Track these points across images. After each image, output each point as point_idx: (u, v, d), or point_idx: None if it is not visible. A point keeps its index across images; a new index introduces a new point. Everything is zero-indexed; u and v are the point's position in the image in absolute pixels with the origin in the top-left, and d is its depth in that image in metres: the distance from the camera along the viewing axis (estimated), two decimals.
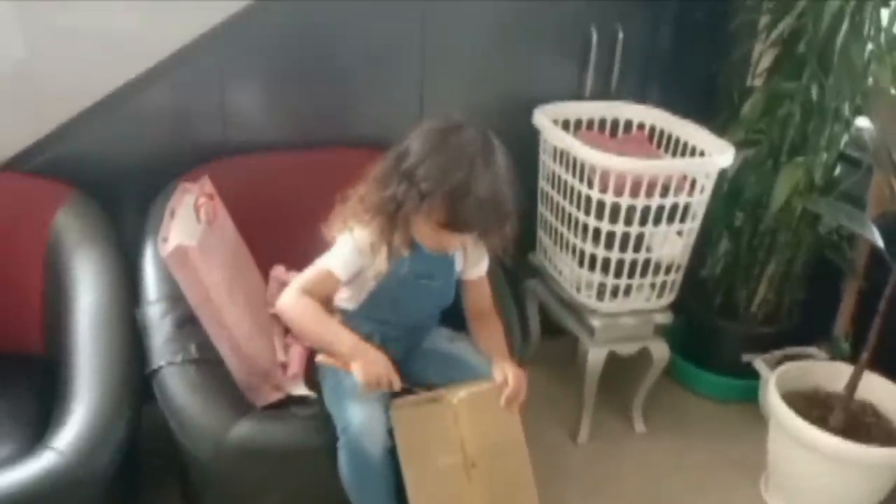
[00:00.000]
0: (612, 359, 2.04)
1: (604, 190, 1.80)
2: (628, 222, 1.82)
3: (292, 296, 1.48)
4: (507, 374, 1.48)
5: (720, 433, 2.16)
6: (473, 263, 1.60)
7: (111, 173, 1.81)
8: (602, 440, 2.12)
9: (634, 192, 1.78)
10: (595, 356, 2.00)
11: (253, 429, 1.43)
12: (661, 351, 2.05)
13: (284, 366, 1.61)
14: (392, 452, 1.43)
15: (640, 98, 2.17)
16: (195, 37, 1.77)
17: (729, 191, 2.11)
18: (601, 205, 1.81)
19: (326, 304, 1.53)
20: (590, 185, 1.82)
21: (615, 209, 1.81)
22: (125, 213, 1.79)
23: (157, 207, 1.70)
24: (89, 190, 1.76)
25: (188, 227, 1.49)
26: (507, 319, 1.68)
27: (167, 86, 1.81)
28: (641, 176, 1.78)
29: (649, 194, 1.79)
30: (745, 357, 2.15)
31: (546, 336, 2.32)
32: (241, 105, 1.91)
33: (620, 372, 2.15)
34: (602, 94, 2.18)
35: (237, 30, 1.80)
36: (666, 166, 1.84)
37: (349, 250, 1.47)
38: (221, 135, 1.89)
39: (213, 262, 1.48)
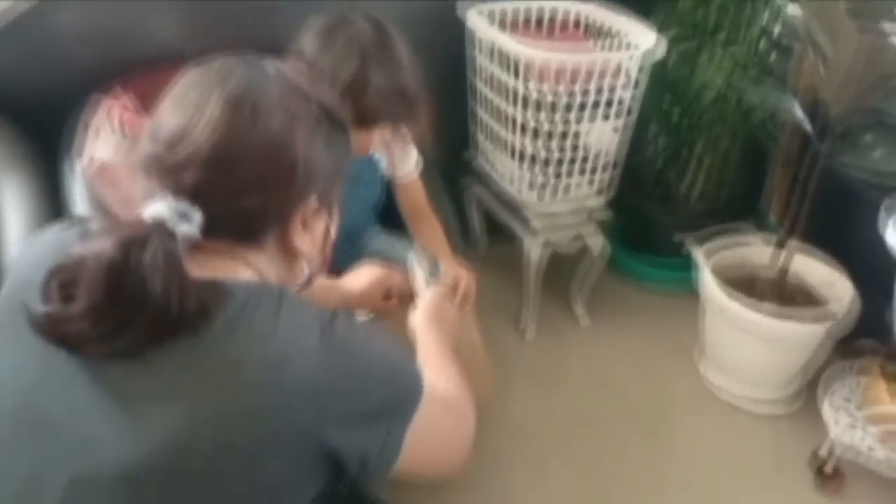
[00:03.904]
0: (554, 256, 2.08)
1: (538, 86, 1.79)
2: (564, 118, 1.82)
3: None
4: (457, 273, 1.49)
5: (662, 321, 2.23)
6: (400, 162, 1.59)
7: (28, 95, 1.74)
8: (548, 335, 2.17)
9: (568, 88, 1.78)
10: (536, 254, 2.03)
11: None
12: (600, 246, 2.09)
13: None
14: None
15: None
16: None
17: (665, 84, 2.11)
18: (536, 101, 1.81)
19: None
20: (525, 81, 1.81)
21: (550, 105, 1.80)
22: (46, 134, 1.73)
23: (75, 124, 1.65)
24: (6, 113, 1.70)
25: (108, 141, 1.45)
26: (444, 219, 1.69)
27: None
28: (573, 69, 1.77)
29: (583, 89, 1.79)
30: (677, 237, 2.18)
31: (488, 237, 2.35)
32: (160, 18, 1.84)
33: (563, 269, 2.19)
34: None
35: None
36: (596, 58, 1.83)
37: None
38: (141, 49, 1.82)
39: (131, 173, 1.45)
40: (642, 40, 1.88)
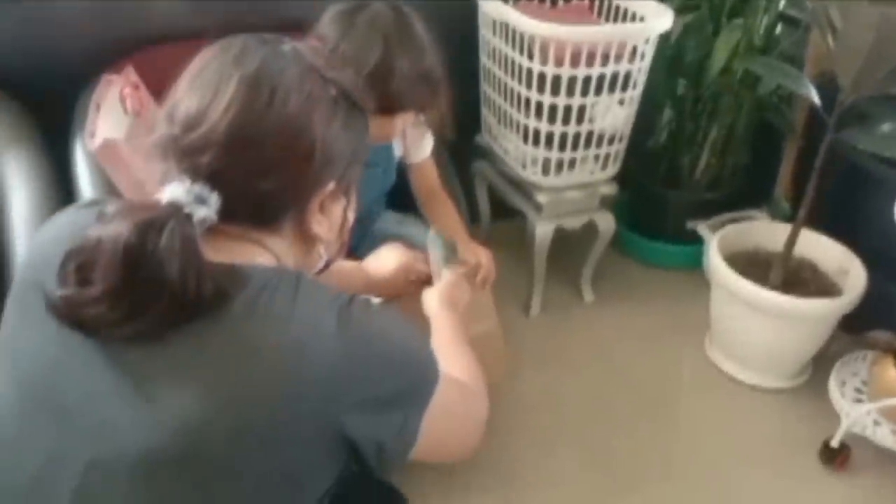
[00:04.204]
0: (560, 233, 2.07)
1: (544, 61, 1.77)
2: (570, 93, 1.80)
3: None
4: (478, 254, 1.49)
5: (667, 299, 2.23)
6: (414, 145, 1.58)
7: (34, 73, 1.73)
8: (553, 313, 2.17)
9: (574, 62, 1.76)
10: (542, 231, 2.02)
11: None
12: (606, 222, 2.08)
13: None
14: None
15: None
16: None
17: (670, 57, 2.10)
18: (542, 77, 1.79)
19: None
20: (530, 56, 1.79)
21: (556, 81, 1.78)
22: (53, 112, 1.72)
23: (82, 103, 1.63)
24: (11, 92, 1.68)
25: (115, 119, 1.44)
26: (457, 200, 1.68)
27: None
28: (581, 44, 1.75)
29: (589, 63, 1.77)
30: (690, 224, 2.20)
31: (496, 217, 2.34)
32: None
33: (569, 246, 2.19)
34: None
35: None
36: (604, 33, 1.81)
37: None
38: (145, 26, 1.81)
39: (144, 154, 1.44)
40: (648, 12, 1.86)
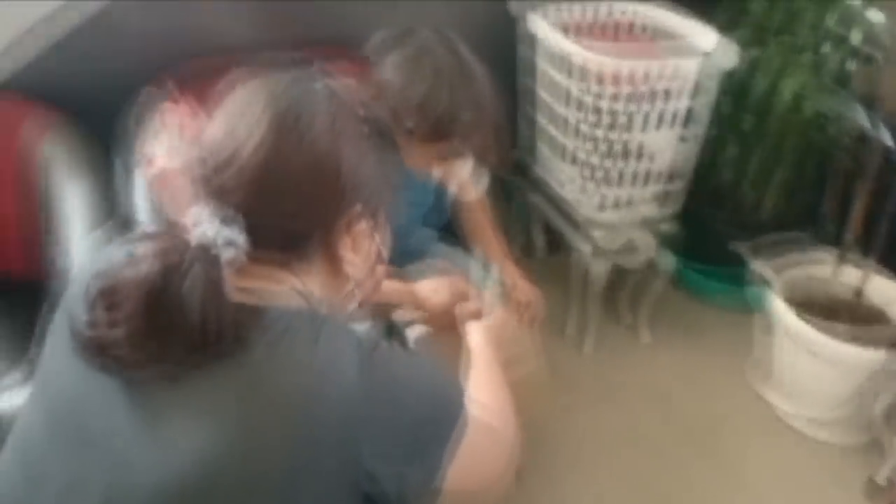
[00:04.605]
0: (617, 270, 2.02)
1: (602, 95, 1.73)
2: (627, 129, 1.76)
3: None
4: (526, 293, 1.47)
5: (727, 341, 2.15)
6: (466, 183, 1.56)
7: (95, 95, 1.77)
8: (608, 351, 2.11)
9: (632, 97, 1.72)
10: (598, 269, 1.97)
11: None
12: (665, 261, 2.02)
13: None
14: None
15: None
16: None
17: (737, 93, 2.03)
18: (598, 110, 1.75)
19: None
20: (589, 90, 1.76)
21: (613, 115, 1.75)
22: (110, 134, 1.76)
23: (133, 125, 1.66)
24: (73, 112, 1.73)
25: (173, 148, 1.45)
26: (507, 236, 1.65)
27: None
28: (640, 79, 1.71)
29: (648, 98, 1.73)
30: (754, 264, 2.10)
31: (552, 251, 2.30)
32: (227, 21, 1.85)
33: (626, 283, 2.13)
34: None
35: None
36: (665, 67, 1.77)
37: None
38: (191, 38, 1.84)
39: None
40: (708, 44, 1.81)
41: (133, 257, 0.74)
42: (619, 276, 2.05)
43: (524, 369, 1.46)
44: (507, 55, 2.00)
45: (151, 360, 0.70)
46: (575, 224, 2.02)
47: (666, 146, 1.82)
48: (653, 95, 1.72)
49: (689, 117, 1.80)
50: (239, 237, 0.74)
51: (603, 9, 2.03)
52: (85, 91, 1.77)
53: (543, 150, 2.06)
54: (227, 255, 0.73)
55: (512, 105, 2.06)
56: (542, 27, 1.88)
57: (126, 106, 1.68)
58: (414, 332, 1.38)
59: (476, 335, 1.17)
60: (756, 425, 1.90)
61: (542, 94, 1.97)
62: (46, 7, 1.70)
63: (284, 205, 0.76)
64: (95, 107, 1.71)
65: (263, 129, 0.75)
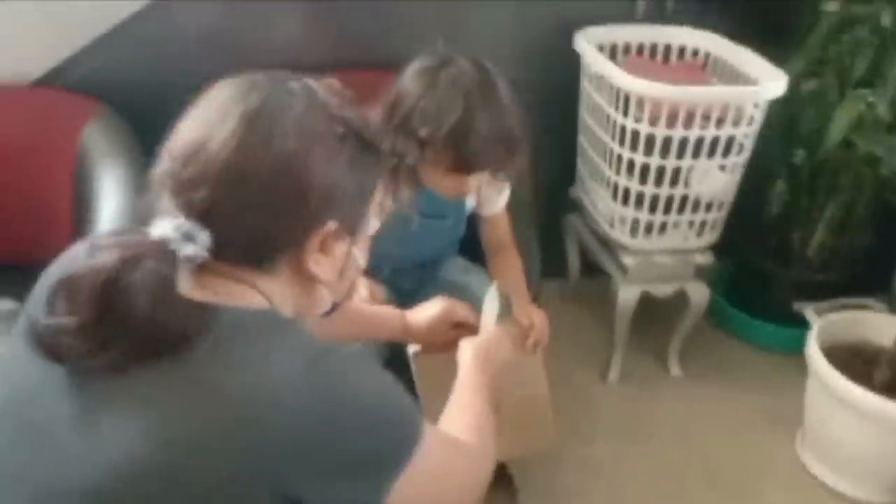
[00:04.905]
0: (649, 300, 1.95)
1: (638, 119, 1.69)
2: (664, 154, 1.71)
3: None
4: (531, 316, 1.43)
5: (762, 384, 2.05)
6: (488, 199, 1.53)
7: (139, 92, 1.82)
8: (634, 383, 2.05)
9: (672, 122, 1.66)
10: (627, 295, 1.91)
11: None
12: (699, 294, 1.95)
13: None
14: None
15: (701, 23, 2.01)
16: None
17: (787, 125, 1.95)
18: (636, 134, 1.71)
19: None
20: (625, 112, 1.71)
21: (650, 139, 1.70)
22: (153, 132, 1.80)
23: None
24: (118, 107, 1.77)
25: None
26: (526, 255, 1.61)
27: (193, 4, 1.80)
28: (679, 104, 1.65)
29: (688, 125, 1.67)
30: (796, 305, 2.02)
31: (587, 275, 2.24)
32: (275, 22, 1.87)
33: (659, 313, 2.06)
34: (657, 17, 2.03)
35: None
36: (706, 94, 1.71)
37: None
38: (255, 53, 1.85)
39: None
40: (762, 75, 1.74)
41: (95, 248, 0.74)
42: (653, 305, 1.98)
43: (527, 392, 1.42)
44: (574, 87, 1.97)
45: (99, 351, 0.69)
46: (607, 247, 1.97)
47: (704, 174, 1.76)
48: (691, 121, 1.66)
49: (730, 146, 1.73)
50: (200, 234, 0.73)
51: (660, 33, 1.98)
52: (136, 90, 1.81)
53: (583, 171, 2.01)
54: (185, 251, 0.72)
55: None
56: (585, 46, 1.84)
57: (174, 108, 1.74)
58: (412, 348, 1.36)
59: (466, 351, 1.14)
60: (785, 476, 1.80)
61: (584, 115, 1.93)
62: (132, 7, 1.75)
63: (250, 203, 0.74)
64: (143, 106, 1.72)
65: (232, 124, 0.74)
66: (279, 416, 0.68)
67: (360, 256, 0.89)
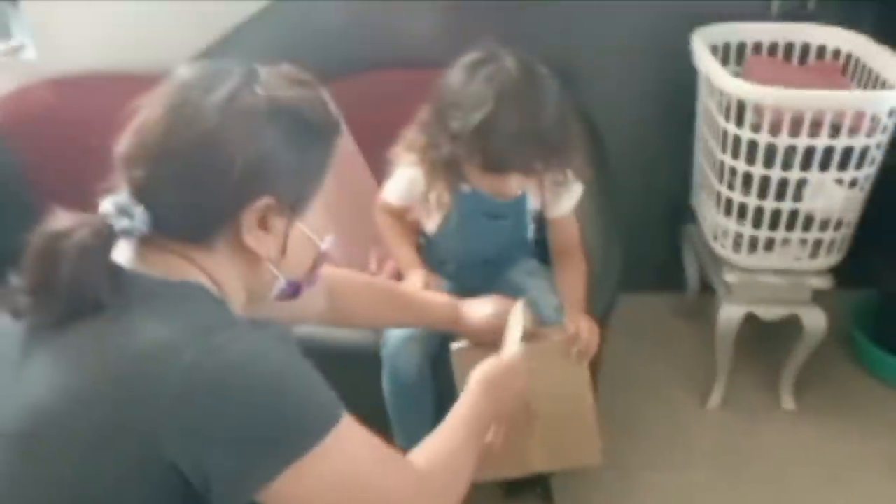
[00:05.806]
0: (761, 324, 1.79)
1: (739, 122, 1.55)
2: (768, 164, 1.56)
3: (376, 209, 1.51)
4: (579, 326, 1.37)
5: (887, 425, 1.82)
6: (552, 201, 1.48)
7: None
8: (737, 411, 1.88)
9: (789, 129, 1.51)
10: (729, 314, 1.76)
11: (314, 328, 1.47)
12: (815, 321, 1.75)
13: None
14: (430, 378, 1.40)
15: (849, 23, 1.80)
16: None
17: None
18: (737, 140, 1.57)
19: (404, 219, 1.53)
20: (739, 120, 1.57)
21: (752, 147, 1.56)
22: None
23: None
24: None
25: None
26: (595, 263, 1.52)
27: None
28: (793, 110, 1.50)
29: (796, 132, 1.51)
30: None
31: (706, 290, 2.09)
32: (396, 21, 1.90)
33: (775, 340, 1.89)
34: (797, 15, 1.85)
35: None
36: (816, 98, 1.53)
37: (399, 183, 1.44)
38: (378, 51, 1.91)
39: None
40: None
41: (56, 217, 0.81)
42: (767, 331, 1.81)
43: (570, 405, 1.36)
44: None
45: (41, 309, 0.77)
46: (715, 261, 1.83)
47: (819, 188, 1.58)
48: (804, 128, 1.50)
49: (847, 157, 1.55)
50: (136, 209, 0.78)
51: (791, 29, 1.81)
52: None
53: (696, 177, 1.88)
54: (120, 224, 0.78)
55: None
56: (699, 44, 1.72)
57: None
58: (455, 344, 1.35)
59: (475, 374, 1.10)
60: None
61: (698, 116, 1.81)
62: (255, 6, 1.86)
63: (177, 179, 0.79)
64: None
65: (163, 106, 0.79)
66: (164, 373, 0.72)
67: (322, 236, 0.90)
